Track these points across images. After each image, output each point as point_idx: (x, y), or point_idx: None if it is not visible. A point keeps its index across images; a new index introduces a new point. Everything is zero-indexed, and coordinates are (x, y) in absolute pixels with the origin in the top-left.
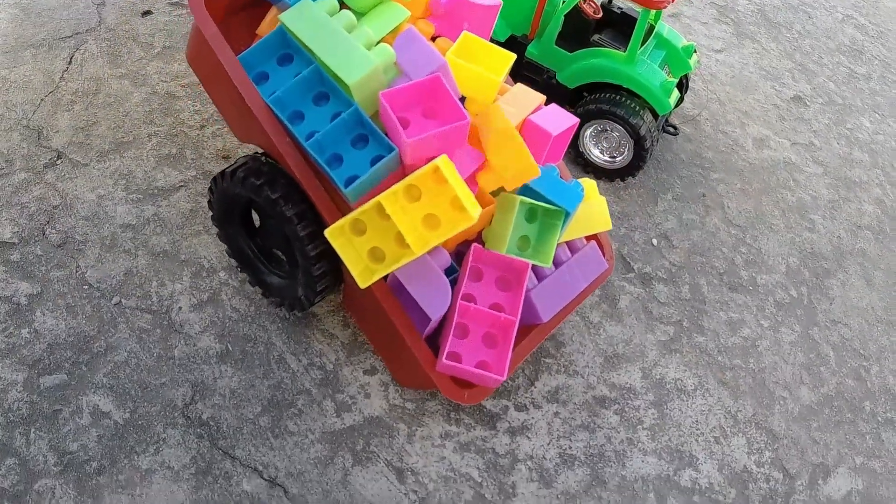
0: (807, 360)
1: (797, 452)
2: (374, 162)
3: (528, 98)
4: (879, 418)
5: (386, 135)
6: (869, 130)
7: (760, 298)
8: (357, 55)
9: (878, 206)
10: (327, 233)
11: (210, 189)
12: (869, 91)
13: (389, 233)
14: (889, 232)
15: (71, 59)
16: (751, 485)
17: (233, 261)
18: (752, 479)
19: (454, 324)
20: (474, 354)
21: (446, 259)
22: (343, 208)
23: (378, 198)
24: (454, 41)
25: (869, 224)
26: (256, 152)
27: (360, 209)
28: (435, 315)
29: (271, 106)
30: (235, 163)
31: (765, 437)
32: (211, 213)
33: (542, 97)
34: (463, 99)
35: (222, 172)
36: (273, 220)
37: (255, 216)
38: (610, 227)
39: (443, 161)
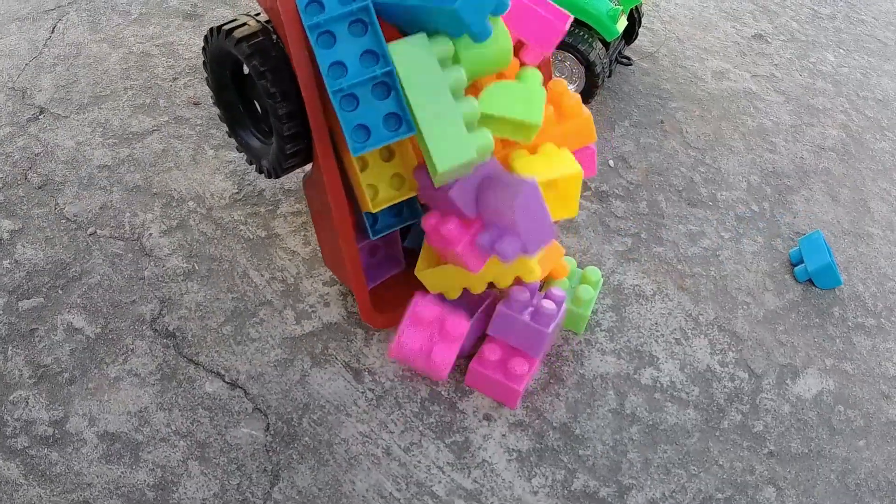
0: (770, 268)
1: (763, 353)
2: (388, 118)
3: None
4: (850, 323)
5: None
6: (833, 64)
7: (721, 212)
8: (457, 139)
9: (843, 131)
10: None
11: (210, 33)
12: (833, 29)
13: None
14: (855, 153)
15: (54, 28)
16: (715, 383)
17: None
18: (715, 378)
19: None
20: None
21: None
22: (336, 130)
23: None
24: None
25: (833, 146)
26: (269, 23)
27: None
28: None
29: (308, 32)
30: (244, 27)
31: (728, 339)
32: (203, 60)
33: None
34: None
35: (229, 32)
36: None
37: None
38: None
39: None
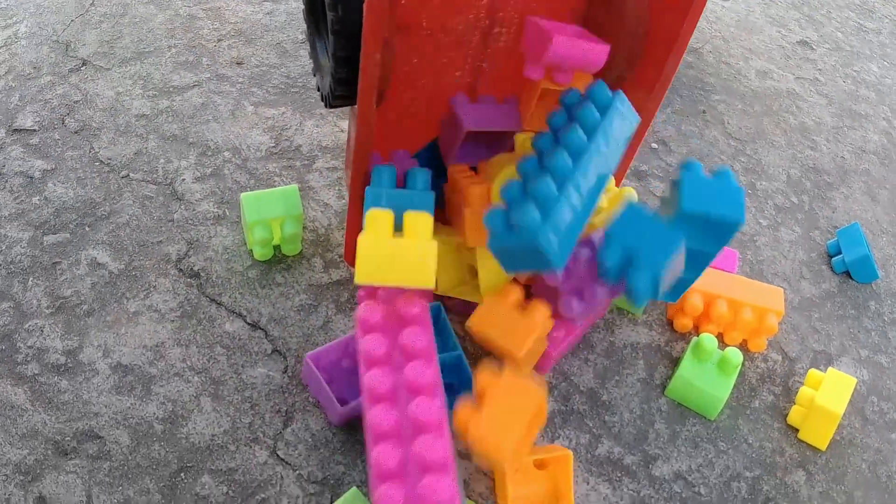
0: (808, 258)
1: (797, 338)
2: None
3: None
4: (885, 318)
5: None
6: (876, 74)
7: (759, 201)
8: None
9: (885, 137)
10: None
11: None
12: (878, 43)
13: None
14: (895, 158)
15: None
16: (747, 363)
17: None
18: (748, 357)
19: None
20: None
21: None
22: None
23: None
24: None
25: (874, 150)
26: None
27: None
28: None
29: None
30: None
31: None
32: None
33: None
34: None
35: None
36: None
37: None
38: None
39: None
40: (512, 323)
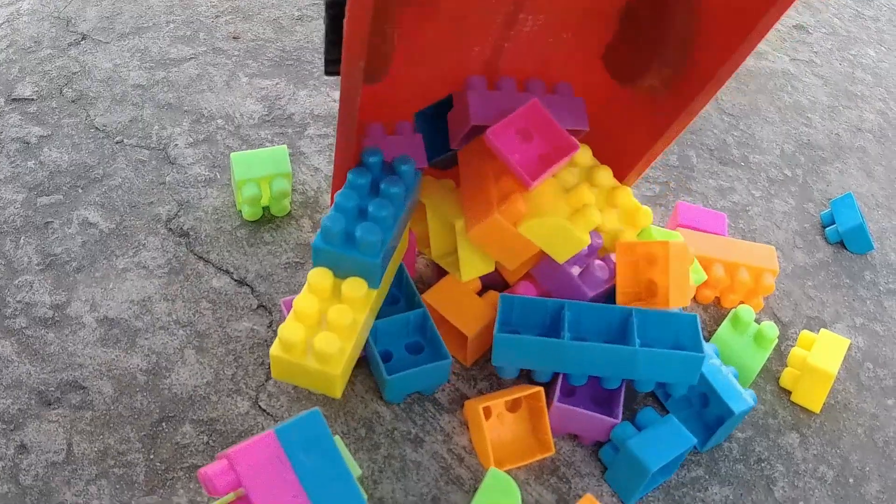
0: (801, 228)
1: (790, 304)
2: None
3: None
4: (881, 288)
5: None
6: (873, 58)
7: (752, 173)
8: None
9: (881, 116)
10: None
11: None
12: (876, 29)
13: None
14: (892, 137)
15: None
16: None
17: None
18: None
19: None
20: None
21: None
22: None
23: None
24: None
25: (870, 129)
26: None
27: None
28: None
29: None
30: None
31: None
32: None
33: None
34: None
35: None
36: None
37: None
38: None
39: None
40: (467, 305)
